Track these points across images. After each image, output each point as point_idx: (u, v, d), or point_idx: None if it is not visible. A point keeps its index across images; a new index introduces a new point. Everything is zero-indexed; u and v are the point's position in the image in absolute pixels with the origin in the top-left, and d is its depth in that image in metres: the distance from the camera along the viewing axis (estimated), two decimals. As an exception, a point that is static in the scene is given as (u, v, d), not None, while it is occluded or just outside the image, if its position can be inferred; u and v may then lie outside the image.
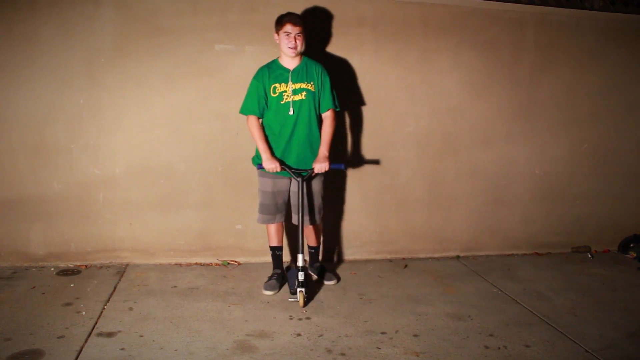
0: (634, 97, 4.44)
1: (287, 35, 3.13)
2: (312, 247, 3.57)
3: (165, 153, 3.67)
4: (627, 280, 3.85)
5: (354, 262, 4.01)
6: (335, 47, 3.78)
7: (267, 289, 3.31)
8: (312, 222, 3.37)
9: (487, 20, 4.03)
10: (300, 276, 3.11)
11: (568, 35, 4.21)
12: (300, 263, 3.15)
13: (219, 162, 3.74)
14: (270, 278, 3.40)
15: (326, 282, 3.49)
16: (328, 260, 3.98)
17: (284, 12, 3.66)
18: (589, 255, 4.39)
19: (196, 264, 3.79)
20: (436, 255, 4.21)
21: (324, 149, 3.23)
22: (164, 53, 3.57)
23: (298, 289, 3.10)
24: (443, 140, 4.08)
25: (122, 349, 2.54)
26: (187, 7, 3.56)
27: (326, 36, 3.75)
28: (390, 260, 4.08)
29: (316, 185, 3.35)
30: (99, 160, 3.59)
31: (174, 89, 3.62)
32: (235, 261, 3.85)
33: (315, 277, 3.55)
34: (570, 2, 4.20)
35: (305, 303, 3.11)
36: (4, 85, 3.42)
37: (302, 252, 3.18)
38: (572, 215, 4.46)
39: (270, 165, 3.14)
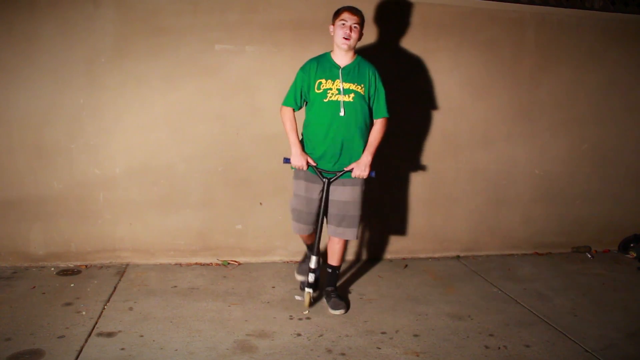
0: (634, 97, 4.44)
1: (343, 24, 2.87)
2: (330, 266, 3.17)
3: (165, 153, 3.67)
4: (627, 280, 3.85)
5: (354, 261, 4.01)
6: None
7: (299, 273, 3.25)
8: (339, 235, 3.05)
9: (487, 20, 4.03)
10: (311, 277, 2.99)
11: (568, 35, 4.21)
12: (313, 265, 3.00)
13: (219, 162, 3.74)
14: (303, 261, 3.32)
15: (332, 312, 3.04)
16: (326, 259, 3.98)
17: (284, 12, 3.68)
18: (589, 255, 4.39)
19: (196, 264, 3.79)
20: (436, 255, 4.21)
21: (368, 154, 2.96)
22: (164, 53, 3.56)
23: (306, 289, 3.01)
24: (443, 140, 4.08)
25: (122, 349, 2.54)
26: (187, 7, 3.56)
27: (326, 36, 3.74)
28: (390, 260, 4.08)
29: (351, 193, 3.01)
30: (99, 160, 3.59)
31: (174, 89, 3.62)
32: (235, 261, 3.85)
33: (325, 302, 3.16)
34: (570, 2, 4.20)
35: (312, 304, 3.04)
36: (4, 85, 3.42)
37: (318, 255, 3.02)
38: (572, 215, 4.46)
39: (298, 161, 2.94)
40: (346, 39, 2.88)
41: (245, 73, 3.69)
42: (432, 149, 4.07)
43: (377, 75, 3.00)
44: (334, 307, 3.07)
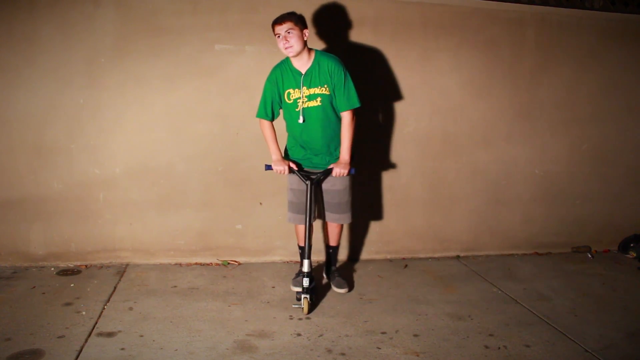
0: (634, 97, 4.44)
1: (278, 37, 2.96)
2: (331, 247, 3.46)
3: (165, 153, 3.67)
4: (627, 280, 3.85)
5: (354, 261, 4.01)
6: (335, 48, 3.77)
7: (295, 285, 3.31)
8: (339, 221, 3.30)
9: (487, 20, 4.03)
10: (305, 282, 3.01)
11: (568, 35, 4.21)
12: (306, 269, 3.04)
13: (219, 162, 3.74)
14: (297, 274, 3.40)
15: (336, 289, 3.33)
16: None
17: (284, 12, 3.66)
18: (589, 255, 4.39)
19: (196, 264, 3.79)
20: (436, 255, 4.21)
21: (345, 154, 3.09)
22: (164, 53, 3.57)
23: (302, 296, 2.99)
24: (443, 140, 4.08)
25: (122, 348, 2.54)
26: (187, 7, 3.56)
27: (326, 37, 3.75)
28: (390, 260, 4.08)
29: (342, 181, 3.19)
30: (99, 160, 3.60)
31: (174, 89, 3.62)
32: (235, 261, 3.85)
33: (325, 279, 3.47)
34: (570, 2, 4.20)
35: (310, 310, 3.03)
36: (4, 85, 3.42)
37: (309, 258, 3.07)
38: (572, 215, 4.46)
39: (279, 167, 3.08)
40: (288, 48, 2.93)
41: (245, 73, 3.69)
42: (432, 149, 4.07)
43: (337, 67, 2.99)
44: (338, 286, 3.33)
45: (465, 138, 4.13)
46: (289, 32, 2.92)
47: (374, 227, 4.07)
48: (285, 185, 3.73)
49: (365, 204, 4.00)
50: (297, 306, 3.04)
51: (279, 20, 2.97)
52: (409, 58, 3.93)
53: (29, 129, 3.48)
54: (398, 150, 4.01)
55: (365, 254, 4.09)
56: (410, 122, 4.01)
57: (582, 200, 4.46)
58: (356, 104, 3.07)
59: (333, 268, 3.46)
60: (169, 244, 3.77)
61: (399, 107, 3.95)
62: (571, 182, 4.41)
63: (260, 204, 3.84)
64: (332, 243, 3.44)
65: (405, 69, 3.93)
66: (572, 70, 4.26)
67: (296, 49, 2.94)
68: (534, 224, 4.39)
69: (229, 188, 3.78)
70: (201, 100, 3.67)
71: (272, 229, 3.88)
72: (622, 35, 4.32)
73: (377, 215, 4.06)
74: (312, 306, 3.06)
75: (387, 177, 4.02)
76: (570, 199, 4.43)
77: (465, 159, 4.15)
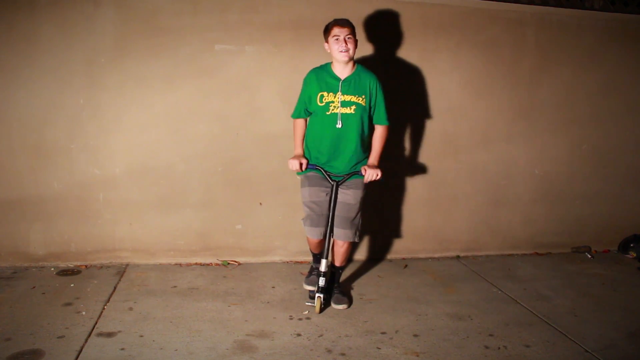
0: (634, 97, 4.44)
1: (337, 39, 2.89)
2: (334, 267, 3.25)
3: (165, 153, 3.67)
4: (627, 280, 3.85)
5: (354, 261, 4.01)
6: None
7: (308, 284, 3.31)
8: (345, 237, 3.07)
9: (487, 20, 4.03)
10: (321, 282, 3.00)
11: (568, 35, 4.21)
12: (323, 268, 3.01)
13: (219, 162, 3.74)
14: (310, 273, 3.38)
15: (335, 306, 3.11)
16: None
17: (284, 12, 3.68)
18: (589, 255, 4.39)
19: (196, 264, 3.79)
20: (436, 255, 4.21)
21: (373, 159, 3.06)
22: (163, 53, 3.56)
23: (317, 294, 3.00)
24: (443, 140, 4.08)
25: (122, 349, 2.54)
26: (187, 7, 3.56)
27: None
28: (390, 260, 4.08)
29: (354, 195, 3.07)
30: (99, 160, 3.59)
31: (173, 89, 3.62)
32: (235, 261, 3.85)
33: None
34: (570, 2, 4.20)
35: (322, 309, 3.03)
36: (4, 85, 3.42)
37: (327, 258, 3.02)
38: (572, 215, 4.46)
39: (293, 161, 2.99)
40: (343, 51, 2.90)
41: (245, 73, 3.69)
42: (432, 149, 4.07)
43: (377, 85, 3.03)
44: (337, 302, 3.13)
45: (465, 138, 4.13)
46: (349, 37, 2.90)
47: (374, 227, 4.07)
48: (284, 185, 3.74)
49: (366, 204, 3.99)
50: (310, 304, 3.06)
51: (341, 23, 2.92)
52: (409, 58, 3.93)
53: (29, 129, 3.48)
54: (398, 150, 4.01)
55: (365, 254, 4.09)
56: (410, 122, 4.01)
57: (582, 200, 4.46)
58: (389, 121, 3.12)
59: (335, 285, 3.25)
60: (169, 244, 3.77)
61: (399, 107, 3.95)
62: (571, 182, 4.41)
63: (260, 204, 3.84)
64: (337, 263, 3.22)
65: (404, 69, 3.93)
66: (572, 71, 4.26)
67: (351, 55, 2.93)
68: (534, 224, 4.39)
69: (229, 188, 3.78)
70: (201, 100, 3.66)
71: (272, 229, 3.88)
72: (622, 36, 4.32)
73: (378, 215, 4.05)
74: (325, 306, 3.07)
75: (386, 177, 4.00)
76: (570, 199, 4.43)
77: (465, 159, 4.15)
